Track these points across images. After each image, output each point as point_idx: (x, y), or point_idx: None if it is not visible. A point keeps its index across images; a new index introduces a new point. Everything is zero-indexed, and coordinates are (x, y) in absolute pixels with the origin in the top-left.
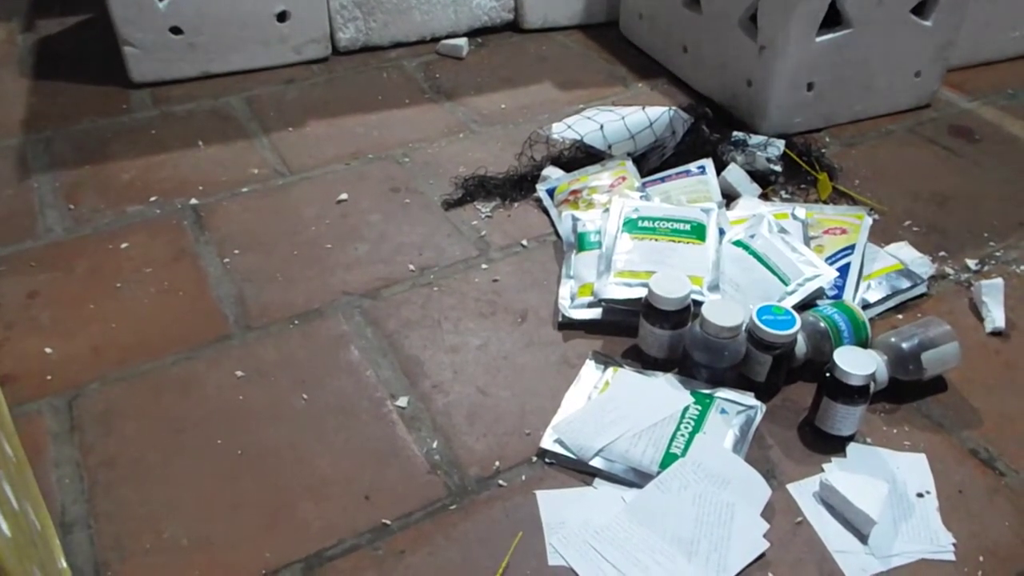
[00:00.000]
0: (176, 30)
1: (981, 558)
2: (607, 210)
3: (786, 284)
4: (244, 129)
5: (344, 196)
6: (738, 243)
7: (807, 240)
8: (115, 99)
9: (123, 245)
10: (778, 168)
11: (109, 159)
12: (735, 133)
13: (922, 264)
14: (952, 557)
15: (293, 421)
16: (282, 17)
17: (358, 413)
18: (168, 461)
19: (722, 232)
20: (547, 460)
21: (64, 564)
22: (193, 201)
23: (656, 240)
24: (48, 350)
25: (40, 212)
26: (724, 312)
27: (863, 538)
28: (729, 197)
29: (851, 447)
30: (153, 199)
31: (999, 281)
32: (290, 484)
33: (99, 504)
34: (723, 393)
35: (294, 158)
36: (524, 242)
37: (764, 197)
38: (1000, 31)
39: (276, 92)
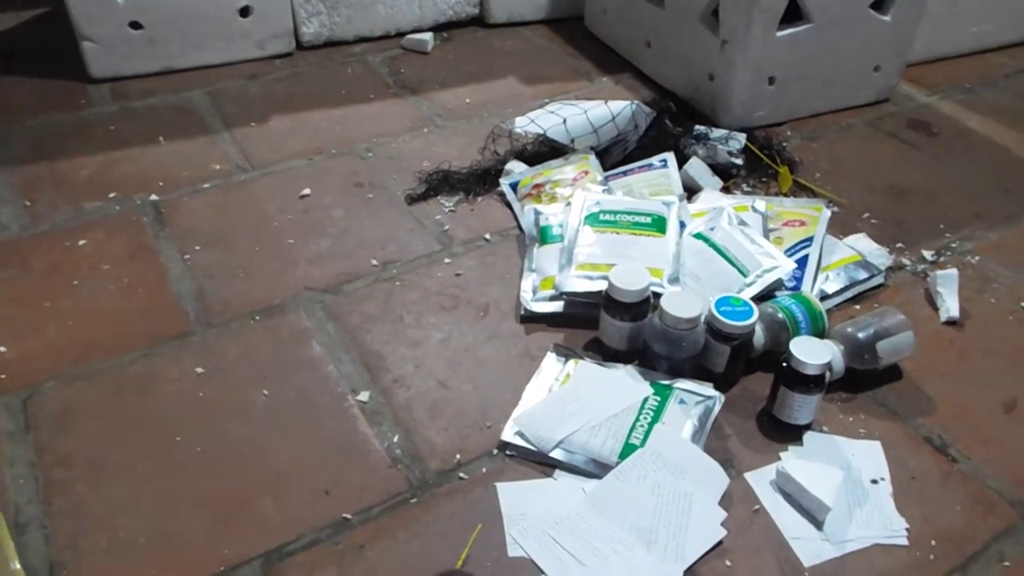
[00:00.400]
0: (136, 25)
1: (933, 542)
2: (569, 204)
3: (745, 276)
4: (206, 124)
5: (307, 191)
6: (698, 235)
7: (766, 232)
8: (74, 94)
9: (81, 242)
10: (739, 161)
11: (67, 155)
12: (697, 127)
13: (879, 255)
14: (905, 542)
15: (254, 417)
16: (245, 12)
17: (319, 408)
18: (126, 459)
19: (683, 225)
20: (508, 452)
21: (18, 565)
22: (153, 197)
23: (617, 233)
24: (2, 348)
25: None
26: (682, 304)
27: (818, 524)
28: (691, 190)
29: (808, 435)
30: (112, 195)
31: (953, 271)
32: (250, 480)
33: (54, 503)
34: (682, 384)
35: (256, 153)
36: (487, 236)
37: (725, 190)
38: (958, 27)
39: (239, 87)
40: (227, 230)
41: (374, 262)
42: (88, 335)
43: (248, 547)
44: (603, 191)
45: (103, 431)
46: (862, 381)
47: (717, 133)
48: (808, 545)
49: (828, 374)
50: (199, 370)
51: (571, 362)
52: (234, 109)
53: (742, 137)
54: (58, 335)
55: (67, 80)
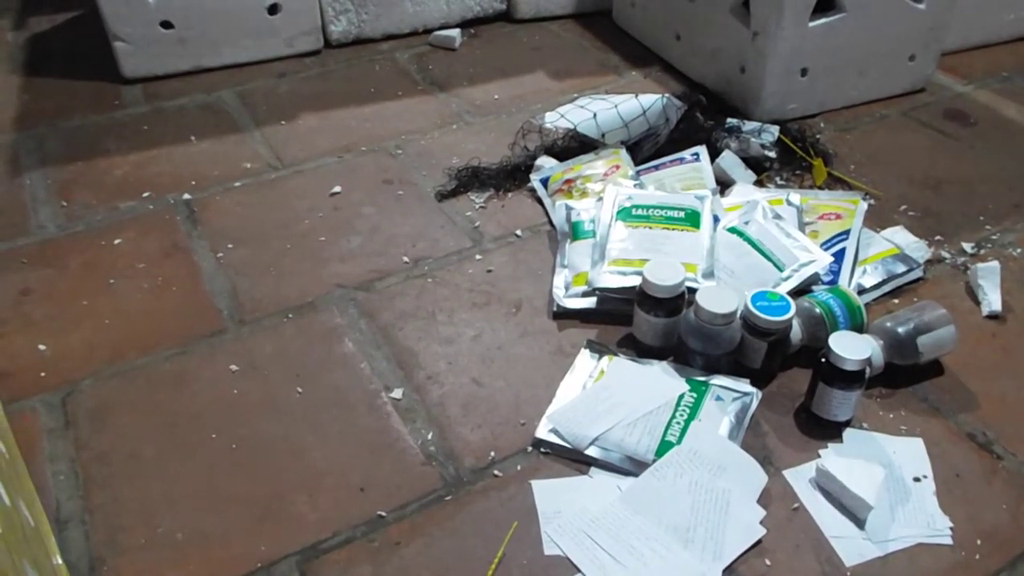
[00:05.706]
0: (167, 24)
1: (979, 541)
2: (601, 199)
3: (781, 270)
4: (236, 123)
5: (337, 189)
6: (732, 230)
7: (802, 226)
8: (107, 95)
9: (116, 241)
10: (772, 154)
11: (101, 155)
12: (729, 120)
13: (918, 248)
14: (949, 541)
15: (287, 414)
16: (273, 10)
17: (353, 405)
18: (162, 456)
19: (716, 219)
20: (542, 450)
21: (59, 560)
22: (186, 196)
23: (650, 228)
24: (42, 347)
25: (32, 209)
26: (718, 299)
27: (860, 523)
28: (723, 184)
29: (847, 432)
30: (146, 194)
31: (995, 264)
32: (285, 477)
33: (94, 499)
34: (718, 380)
35: (287, 152)
36: (518, 232)
37: (759, 183)
38: (994, 14)
39: (268, 86)
40: (259, 228)
41: (405, 259)
42: (124, 333)
43: (284, 544)
44: (634, 186)
45: (140, 428)
46: (902, 377)
47: (749, 126)
48: (849, 544)
49: (868, 370)
50: (233, 367)
51: (605, 358)
52: (264, 108)
53: (775, 130)
54: (95, 333)
55: (100, 81)
